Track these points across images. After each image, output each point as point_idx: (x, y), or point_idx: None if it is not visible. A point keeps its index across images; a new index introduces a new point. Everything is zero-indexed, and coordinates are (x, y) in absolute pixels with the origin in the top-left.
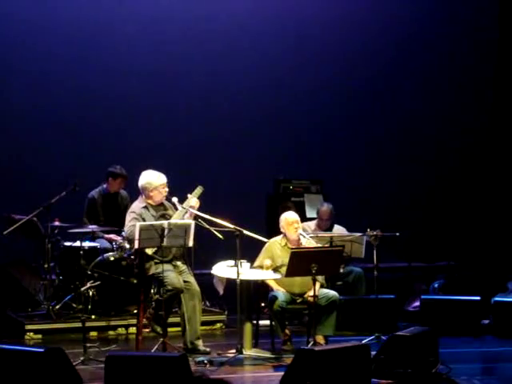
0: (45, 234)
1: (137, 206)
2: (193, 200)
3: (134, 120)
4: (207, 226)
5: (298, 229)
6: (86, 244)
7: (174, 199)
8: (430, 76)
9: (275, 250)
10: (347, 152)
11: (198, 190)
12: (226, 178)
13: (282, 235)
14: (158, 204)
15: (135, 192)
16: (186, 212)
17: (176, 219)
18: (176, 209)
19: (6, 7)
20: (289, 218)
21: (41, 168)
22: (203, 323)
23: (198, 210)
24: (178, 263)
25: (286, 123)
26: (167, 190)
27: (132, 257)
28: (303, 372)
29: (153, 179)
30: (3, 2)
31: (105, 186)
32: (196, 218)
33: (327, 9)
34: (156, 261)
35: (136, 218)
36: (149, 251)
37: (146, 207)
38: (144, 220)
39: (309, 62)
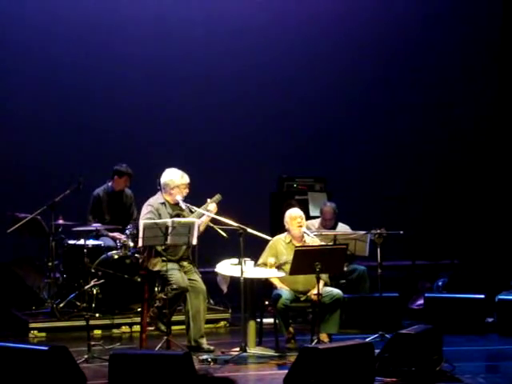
0: (49, 232)
1: (155, 200)
2: (211, 205)
3: (138, 119)
4: (211, 225)
5: (301, 224)
6: (90, 242)
7: (178, 197)
8: (434, 75)
9: (279, 247)
10: (351, 150)
11: (217, 198)
12: (229, 176)
13: (286, 232)
14: (176, 203)
15: (140, 190)
16: (203, 215)
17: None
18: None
19: (7, 9)
20: (293, 213)
21: (45, 166)
22: (207, 321)
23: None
24: (184, 263)
25: (290, 121)
26: (188, 190)
27: (137, 255)
28: (307, 370)
29: (176, 178)
30: (4, 4)
31: (110, 184)
32: (211, 221)
33: (328, 11)
34: (163, 258)
35: (153, 212)
36: (158, 247)
37: (164, 203)
38: (160, 215)
39: (312, 62)
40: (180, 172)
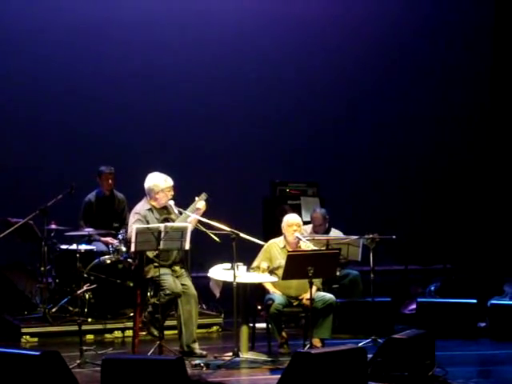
0: (41, 237)
1: (141, 207)
2: (200, 203)
3: (131, 123)
4: (204, 229)
5: (295, 231)
6: (83, 247)
7: (171, 202)
8: (428, 79)
9: (273, 251)
10: (344, 155)
11: (203, 196)
12: (222, 180)
13: (282, 236)
14: (162, 207)
15: (134, 195)
16: (189, 216)
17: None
18: (173, 211)
19: (4, 10)
20: (289, 219)
21: (37, 171)
22: (200, 326)
23: (203, 214)
24: (176, 268)
25: (283, 126)
26: (173, 193)
27: (129, 260)
28: (300, 375)
29: (159, 181)
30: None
31: (100, 188)
32: (198, 222)
33: (324, 16)
34: (155, 264)
35: (140, 220)
36: (150, 254)
37: (150, 209)
38: (148, 222)
39: (306, 66)
40: (163, 176)
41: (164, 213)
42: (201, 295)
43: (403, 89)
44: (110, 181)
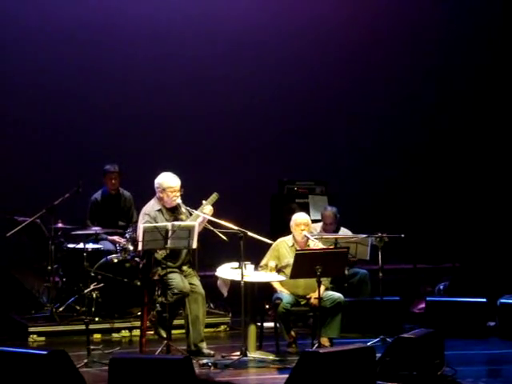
0: (48, 235)
1: (152, 207)
2: (207, 207)
3: (139, 122)
4: (211, 228)
5: (303, 231)
6: (90, 246)
7: (178, 201)
8: (431, 75)
9: (282, 249)
10: (352, 153)
11: (214, 197)
12: (230, 179)
13: (291, 235)
14: (173, 208)
15: (141, 194)
16: (199, 217)
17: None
18: (182, 211)
19: (4, 10)
20: (297, 219)
21: (44, 170)
22: (207, 325)
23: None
24: (184, 267)
25: (290, 124)
26: (178, 195)
27: (136, 258)
28: (308, 374)
29: (163, 180)
30: (1, 4)
31: (106, 187)
32: (208, 223)
33: (330, 13)
34: (163, 265)
35: (149, 222)
36: (158, 256)
37: (160, 210)
38: (157, 223)
39: (312, 63)
40: (170, 175)
41: (174, 214)
42: (208, 294)
43: (412, 85)
44: (115, 179)
